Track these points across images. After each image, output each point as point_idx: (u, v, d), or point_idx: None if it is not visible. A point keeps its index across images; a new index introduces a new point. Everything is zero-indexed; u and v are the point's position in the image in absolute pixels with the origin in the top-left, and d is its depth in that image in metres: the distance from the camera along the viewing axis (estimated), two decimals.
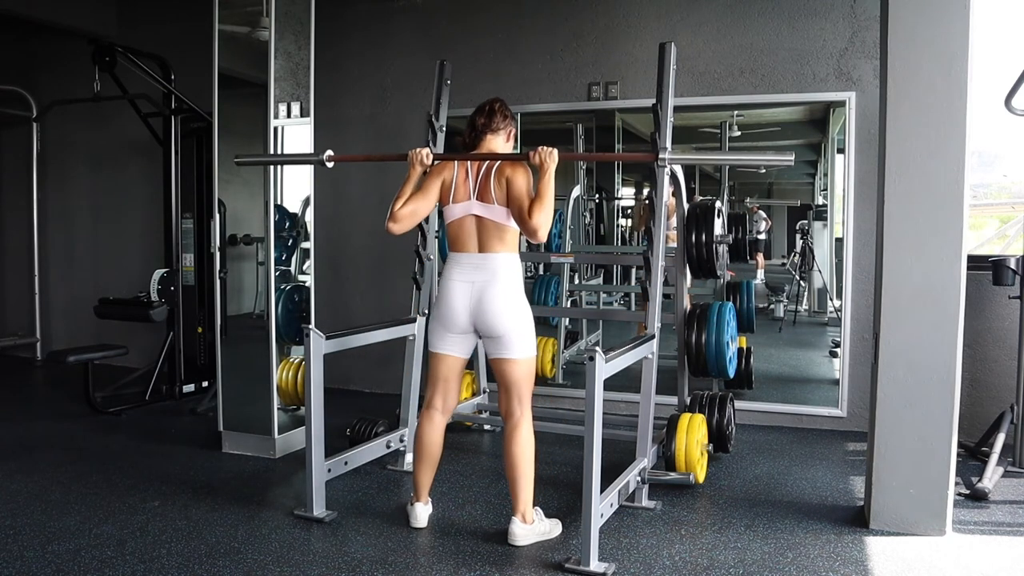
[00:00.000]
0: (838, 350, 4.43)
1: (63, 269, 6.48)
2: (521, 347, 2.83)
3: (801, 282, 5.20)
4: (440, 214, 2.99)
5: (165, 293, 5.00)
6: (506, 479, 2.84)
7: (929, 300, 2.82)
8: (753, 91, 4.45)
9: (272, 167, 3.83)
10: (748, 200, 5.17)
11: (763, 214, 5.15)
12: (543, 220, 2.67)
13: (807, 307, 5.28)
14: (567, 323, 5.29)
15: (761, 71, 4.42)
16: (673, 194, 3.78)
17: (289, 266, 4.20)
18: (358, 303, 5.35)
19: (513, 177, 2.76)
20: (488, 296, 2.78)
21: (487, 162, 2.83)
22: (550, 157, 2.71)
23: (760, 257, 5.13)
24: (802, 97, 4.42)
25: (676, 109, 3.47)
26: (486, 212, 2.79)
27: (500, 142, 2.95)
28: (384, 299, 5.19)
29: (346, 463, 3.31)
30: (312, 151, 3.88)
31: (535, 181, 2.74)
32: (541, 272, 5.45)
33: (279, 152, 3.89)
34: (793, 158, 2.79)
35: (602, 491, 2.69)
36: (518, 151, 2.97)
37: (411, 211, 2.85)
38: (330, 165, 3.21)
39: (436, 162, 2.91)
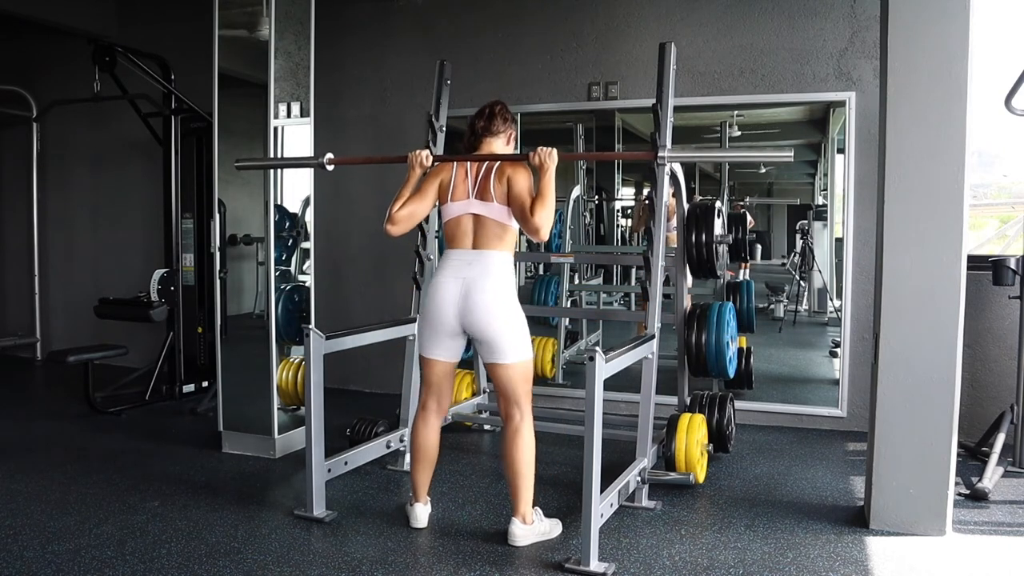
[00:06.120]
0: (838, 350, 4.43)
1: (63, 269, 6.48)
2: (514, 351, 2.78)
3: (801, 282, 5.19)
4: (439, 214, 2.98)
5: (165, 293, 5.00)
6: (506, 480, 2.83)
7: (929, 300, 2.82)
8: (753, 91, 4.45)
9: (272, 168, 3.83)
10: (733, 199, 5.15)
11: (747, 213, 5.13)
12: (545, 218, 2.67)
13: (807, 307, 5.28)
14: (567, 323, 5.29)
15: (761, 71, 4.42)
16: (673, 194, 3.78)
17: (289, 266, 4.20)
18: (358, 303, 5.35)
19: (514, 176, 2.76)
20: (477, 293, 2.73)
21: (487, 163, 2.83)
22: (550, 157, 2.72)
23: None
24: (802, 97, 4.42)
25: (676, 109, 3.47)
26: (485, 210, 2.78)
27: (500, 145, 2.95)
28: (384, 299, 5.18)
29: (346, 463, 3.31)
30: (312, 154, 3.88)
31: (535, 181, 2.75)
32: (541, 272, 5.45)
33: (279, 153, 3.89)
34: (792, 155, 2.81)
35: (602, 491, 2.68)
36: (518, 152, 2.96)
37: (409, 213, 2.85)
38: (330, 168, 3.22)
39: (435, 164, 2.91)
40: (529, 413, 2.84)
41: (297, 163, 3.89)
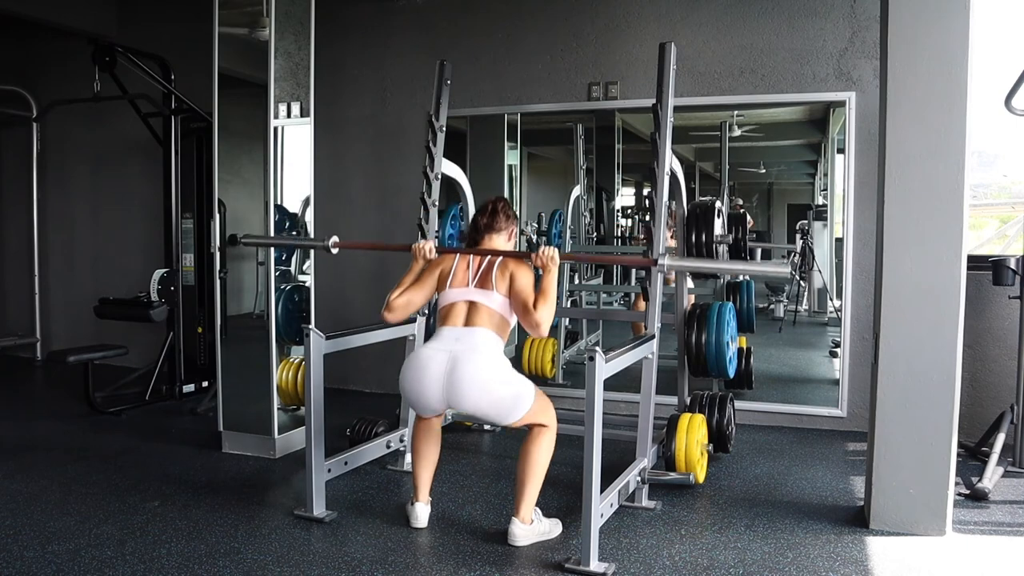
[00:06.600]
0: (838, 350, 4.43)
1: (63, 269, 6.48)
2: (518, 408, 2.73)
3: (801, 282, 5.19)
4: (437, 301, 2.99)
5: (165, 293, 4.99)
6: (514, 479, 2.84)
7: (929, 300, 2.82)
8: (753, 91, 4.45)
9: (272, 168, 3.83)
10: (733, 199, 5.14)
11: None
12: (546, 315, 2.72)
13: (807, 307, 5.28)
14: (567, 323, 5.29)
15: (761, 71, 4.42)
16: (672, 197, 3.79)
17: (289, 266, 4.20)
18: (358, 303, 5.34)
19: (517, 272, 2.82)
20: (463, 369, 2.66)
21: (489, 257, 2.89)
22: (552, 260, 2.80)
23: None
24: (802, 97, 4.42)
25: (676, 109, 3.48)
26: (482, 298, 2.81)
27: (502, 241, 3.01)
28: (384, 299, 5.17)
29: (346, 463, 3.31)
30: (315, 237, 4.00)
31: (538, 280, 2.82)
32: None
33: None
34: (789, 271, 2.93)
35: (602, 491, 2.69)
36: (520, 251, 3.04)
37: (406, 301, 2.94)
38: (335, 251, 3.40)
39: (439, 255, 2.99)
40: (554, 423, 2.86)
41: (303, 244, 4.01)
